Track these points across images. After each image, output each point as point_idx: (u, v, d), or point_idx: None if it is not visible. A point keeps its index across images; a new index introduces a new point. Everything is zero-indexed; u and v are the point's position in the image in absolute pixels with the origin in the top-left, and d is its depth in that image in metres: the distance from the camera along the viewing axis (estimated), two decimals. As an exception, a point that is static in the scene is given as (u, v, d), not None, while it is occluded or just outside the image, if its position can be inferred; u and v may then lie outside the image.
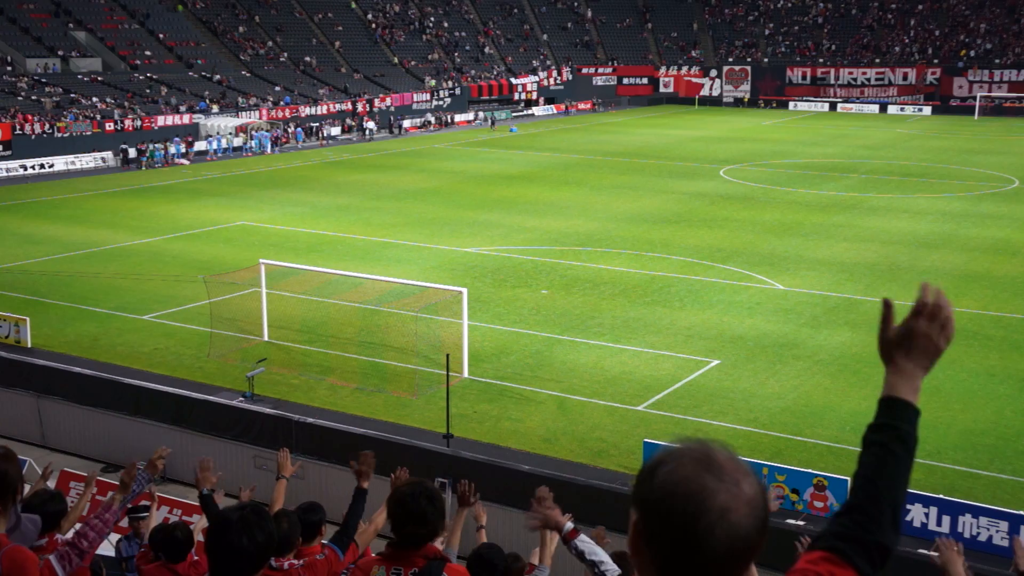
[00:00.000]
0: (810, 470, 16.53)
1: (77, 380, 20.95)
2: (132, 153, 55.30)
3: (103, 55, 69.14)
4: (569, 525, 5.19)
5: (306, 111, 69.14)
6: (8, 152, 53.39)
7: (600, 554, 5.26)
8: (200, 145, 59.31)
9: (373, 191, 45.82)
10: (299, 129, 65.40)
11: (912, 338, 2.36)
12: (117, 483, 6.20)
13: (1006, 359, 23.18)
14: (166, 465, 20.60)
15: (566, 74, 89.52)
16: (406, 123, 72.47)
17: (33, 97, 60.29)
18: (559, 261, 32.29)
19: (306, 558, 6.49)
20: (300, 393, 21.42)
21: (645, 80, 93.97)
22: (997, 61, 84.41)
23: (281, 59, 77.55)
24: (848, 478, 17.61)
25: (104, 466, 19.44)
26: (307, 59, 78.23)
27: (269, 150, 60.74)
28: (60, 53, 66.62)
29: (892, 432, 2.33)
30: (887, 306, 2.41)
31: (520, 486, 16.56)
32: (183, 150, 57.22)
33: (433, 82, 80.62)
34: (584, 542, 5.22)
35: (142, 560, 8.57)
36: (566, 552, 5.32)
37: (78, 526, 6.02)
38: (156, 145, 56.30)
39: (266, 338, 24.45)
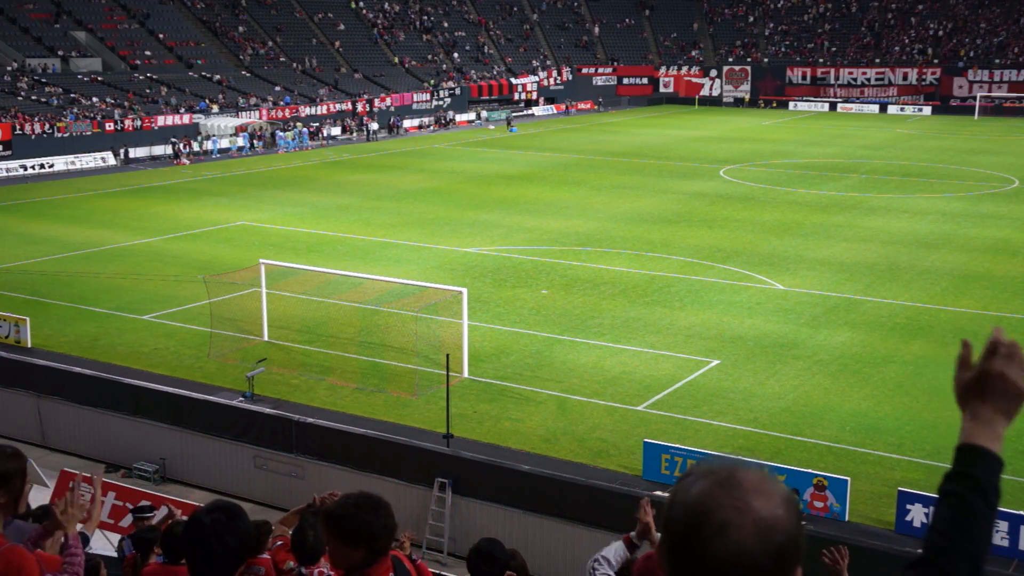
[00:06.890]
0: (810, 470, 16.53)
1: (77, 380, 20.95)
2: (176, 149, 57.46)
3: (103, 55, 69.11)
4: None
5: (306, 111, 69.13)
6: (8, 152, 53.38)
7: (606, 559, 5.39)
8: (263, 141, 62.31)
9: (373, 191, 45.81)
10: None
11: (987, 380, 2.21)
12: (116, 483, 6.09)
13: (1006, 359, 23.15)
14: (166, 465, 20.52)
15: (566, 74, 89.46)
16: (406, 123, 72.44)
17: (34, 97, 60.30)
18: (559, 261, 32.29)
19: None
20: (300, 393, 21.43)
21: (645, 80, 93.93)
22: (997, 61, 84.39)
23: (281, 59, 77.52)
24: (849, 479, 17.47)
25: (104, 466, 19.46)
26: (307, 59, 78.20)
27: (307, 145, 62.62)
28: (60, 53, 66.58)
29: (969, 481, 2.16)
30: (966, 347, 2.27)
31: (520, 486, 16.58)
32: (250, 144, 60.55)
33: (433, 82, 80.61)
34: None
35: (129, 566, 8.49)
36: (565, 553, 5.37)
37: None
38: (211, 138, 59.39)
39: (266, 338, 24.46)
